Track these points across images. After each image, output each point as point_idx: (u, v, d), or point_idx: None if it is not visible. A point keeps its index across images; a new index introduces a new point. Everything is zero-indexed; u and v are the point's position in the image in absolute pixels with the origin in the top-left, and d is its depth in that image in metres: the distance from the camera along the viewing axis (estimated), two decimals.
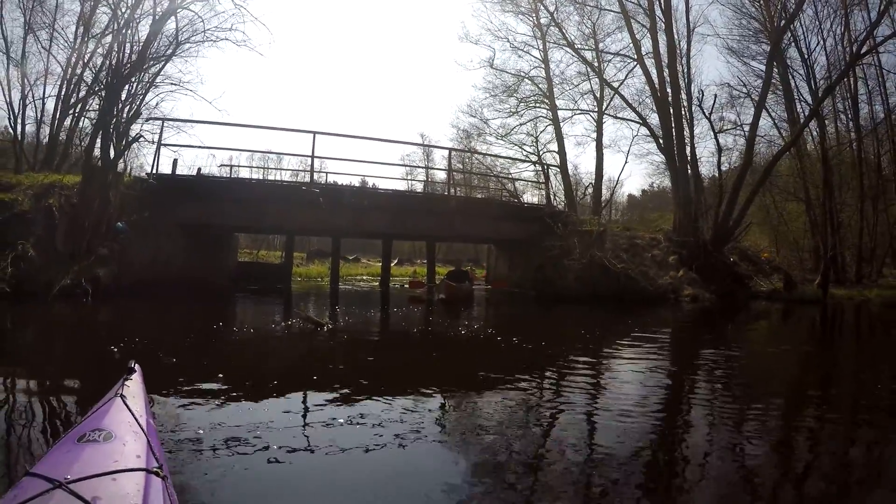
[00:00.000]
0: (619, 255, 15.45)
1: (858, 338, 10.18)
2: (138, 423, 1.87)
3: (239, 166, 23.45)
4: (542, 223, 15.90)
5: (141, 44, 11.37)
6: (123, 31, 11.33)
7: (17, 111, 17.27)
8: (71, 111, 17.32)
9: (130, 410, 1.92)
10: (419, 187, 29.17)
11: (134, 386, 2.20)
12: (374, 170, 79.22)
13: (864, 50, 17.57)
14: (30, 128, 18.39)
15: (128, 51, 11.32)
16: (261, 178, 18.61)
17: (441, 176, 31.00)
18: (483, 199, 17.69)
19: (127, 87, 11.61)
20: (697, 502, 2.66)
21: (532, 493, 2.65)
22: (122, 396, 2.00)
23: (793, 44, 21.81)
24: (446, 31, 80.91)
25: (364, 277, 24.26)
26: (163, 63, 12.31)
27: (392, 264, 22.52)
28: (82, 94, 16.87)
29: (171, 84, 14.06)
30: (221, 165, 21.91)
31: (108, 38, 15.90)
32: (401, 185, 28.21)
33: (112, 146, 10.92)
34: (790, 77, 22.63)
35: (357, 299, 14.79)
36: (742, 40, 22.93)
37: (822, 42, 21.69)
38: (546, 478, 2.83)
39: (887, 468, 3.23)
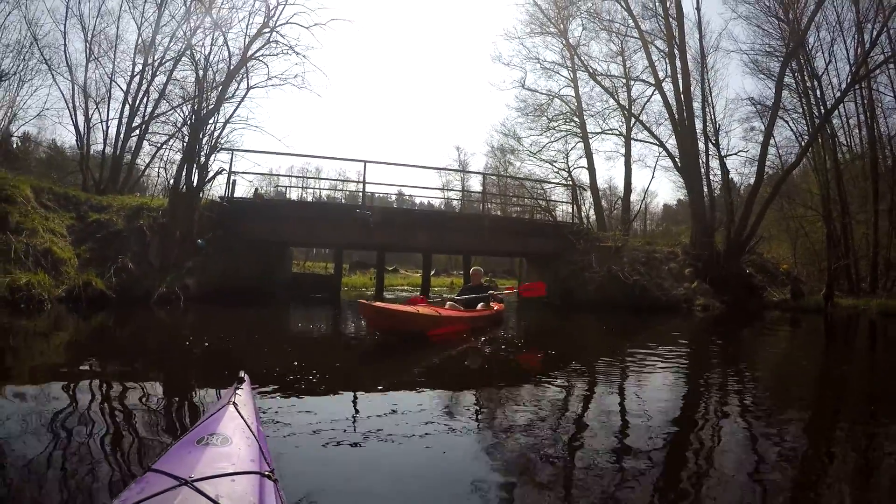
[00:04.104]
0: (636, 267, 16.15)
1: (839, 343, 10.61)
2: (250, 429, 1.94)
3: (289, 187, 25.24)
4: (567, 239, 16.91)
5: (219, 89, 13.11)
6: (202, 78, 13.08)
7: (83, 132, 18.05)
8: (133, 134, 18.29)
9: (242, 417, 2.00)
10: (454, 197, 30.67)
11: (244, 394, 2.29)
12: (413, 181, 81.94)
13: (860, 75, 18.24)
14: (96, 148, 19.34)
15: (206, 98, 13.00)
16: (314, 198, 20.39)
17: (476, 188, 32.41)
18: (513, 218, 18.79)
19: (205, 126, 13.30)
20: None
21: (561, 489, 2.70)
22: (235, 404, 2.08)
23: (807, 64, 22.06)
24: (481, 52, 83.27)
25: (405, 287, 25.61)
26: (236, 105, 13.75)
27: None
28: (145, 117, 18.05)
29: (244, 123, 15.58)
30: (276, 187, 23.70)
31: (169, 64, 17.55)
32: (437, 196, 29.81)
33: (196, 176, 12.75)
34: (809, 92, 22.27)
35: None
36: (762, 57, 22.56)
37: (845, 54, 21.13)
38: (575, 476, 2.85)
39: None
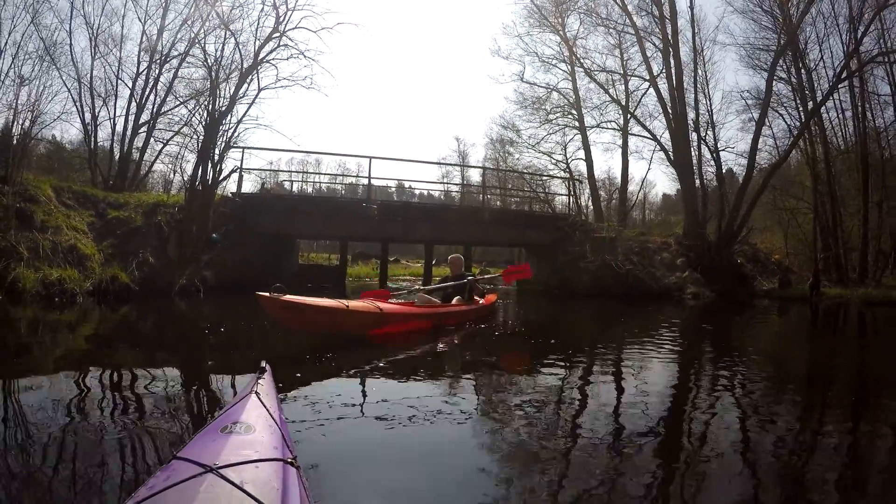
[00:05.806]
0: (629, 257, 16.69)
1: (818, 331, 10.99)
2: (272, 418, 1.95)
3: (290, 180, 25.95)
4: (564, 230, 17.46)
5: (231, 90, 13.66)
6: (215, 79, 13.60)
7: (90, 130, 18.16)
8: (141, 131, 18.48)
9: (265, 406, 2.01)
10: (454, 189, 31.09)
11: (266, 384, 2.28)
12: (413, 174, 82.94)
13: (850, 70, 18.65)
14: (103, 145, 19.27)
15: (219, 97, 13.49)
16: (314, 189, 21.05)
17: (476, 178, 32.81)
18: (512, 210, 19.43)
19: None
20: (722, 493, 2.55)
21: (564, 472, 2.75)
22: (257, 393, 2.08)
23: (801, 58, 21.99)
24: (480, 45, 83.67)
25: (407, 277, 26.00)
26: (248, 106, 14.28)
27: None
28: (152, 114, 18.37)
29: (255, 122, 16.03)
30: (282, 181, 24.31)
31: (175, 61, 17.99)
32: (437, 189, 30.46)
33: (210, 174, 13.37)
34: (804, 86, 22.38)
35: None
36: (757, 51, 22.60)
37: (841, 48, 21.40)
38: (574, 463, 2.88)
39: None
